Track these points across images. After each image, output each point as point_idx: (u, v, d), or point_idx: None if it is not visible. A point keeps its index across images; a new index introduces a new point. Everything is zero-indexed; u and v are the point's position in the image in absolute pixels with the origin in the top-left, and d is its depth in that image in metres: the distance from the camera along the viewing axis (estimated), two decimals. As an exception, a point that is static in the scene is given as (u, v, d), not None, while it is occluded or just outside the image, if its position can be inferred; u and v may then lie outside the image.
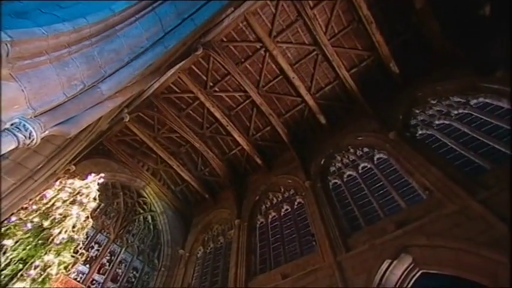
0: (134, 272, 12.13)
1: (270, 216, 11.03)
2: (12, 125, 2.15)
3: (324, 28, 9.99)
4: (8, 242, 5.68)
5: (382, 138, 9.29)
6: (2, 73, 2.02)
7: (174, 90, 11.70)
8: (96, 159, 12.31)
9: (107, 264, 11.53)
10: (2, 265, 5.41)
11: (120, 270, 11.76)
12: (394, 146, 8.69)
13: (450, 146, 7.67)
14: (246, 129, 12.53)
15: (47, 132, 2.50)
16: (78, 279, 10.06)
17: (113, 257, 11.82)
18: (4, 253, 5.54)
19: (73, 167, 10.46)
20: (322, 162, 10.81)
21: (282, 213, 10.75)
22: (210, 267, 11.39)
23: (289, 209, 10.66)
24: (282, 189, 11.68)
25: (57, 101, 2.57)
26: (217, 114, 11.85)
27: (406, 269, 6.48)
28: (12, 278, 5.44)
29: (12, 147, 2.20)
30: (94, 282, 10.71)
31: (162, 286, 11.61)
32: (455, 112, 8.31)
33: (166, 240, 13.26)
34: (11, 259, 5.60)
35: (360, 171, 9.50)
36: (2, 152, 2.13)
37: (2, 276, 5.35)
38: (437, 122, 8.54)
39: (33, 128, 2.27)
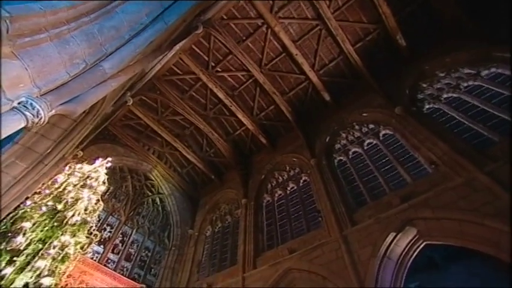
0: (146, 252, 12.58)
1: (276, 195, 11.21)
2: (19, 103, 2.16)
3: (327, 1, 9.60)
4: (27, 224, 5.90)
5: (387, 113, 9.17)
6: (4, 51, 1.99)
7: (175, 72, 11.54)
8: (102, 144, 12.45)
9: (120, 244, 11.96)
10: (24, 245, 5.64)
11: (132, 250, 12.20)
12: (400, 121, 8.59)
13: (458, 119, 7.56)
14: (249, 109, 12.45)
15: (53, 111, 2.51)
16: (94, 258, 10.48)
17: (125, 238, 12.24)
18: (24, 234, 5.76)
19: (80, 152, 10.61)
20: (327, 140, 10.79)
21: (288, 192, 10.91)
22: (218, 246, 11.76)
23: (295, 187, 10.79)
24: (288, 168, 11.76)
25: (61, 80, 2.55)
26: (221, 95, 11.74)
27: (410, 241, 6.62)
28: (34, 257, 5.70)
29: (22, 125, 2.22)
30: (109, 261, 11.16)
31: (174, 264, 12.08)
32: (465, 84, 8.10)
33: (175, 221, 13.65)
34: (31, 239, 5.84)
35: (365, 148, 9.48)
36: (11, 132, 2.16)
37: (25, 256, 5.59)
38: (445, 96, 8.36)
39: (41, 107, 2.28)
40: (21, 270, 5.42)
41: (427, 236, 6.43)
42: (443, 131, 7.43)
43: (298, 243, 8.45)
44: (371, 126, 9.82)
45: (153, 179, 14.22)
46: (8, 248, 5.44)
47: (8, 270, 5.15)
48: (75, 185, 7.69)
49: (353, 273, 6.53)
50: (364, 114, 10.19)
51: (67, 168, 8.17)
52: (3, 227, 5.74)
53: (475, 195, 5.88)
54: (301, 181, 10.77)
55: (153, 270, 12.12)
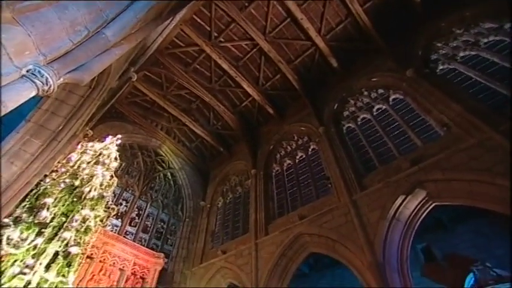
0: (162, 224, 13.14)
1: (285, 164, 11.34)
2: (28, 71, 2.15)
3: (334, -43, 8.93)
4: (49, 200, 6.16)
5: (398, 77, 8.86)
6: (4, 16, 1.95)
7: (178, 44, 11.24)
8: (110, 122, 12.55)
9: (136, 218, 12.50)
10: (49, 219, 5.95)
11: (148, 223, 12.75)
12: (411, 84, 8.31)
13: (474, 78, 7.25)
14: (255, 79, 12.21)
15: (61, 79, 2.50)
16: (114, 231, 11.02)
17: (140, 212, 12.75)
18: (48, 209, 6.04)
19: (90, 131, 10.76)
20: (335, 107, 10.62)
21: (297, 160, 11.01)
22: (230, 215, 12.19)
23: (304, 156, 10.86)
24: (296, 137, 11.76)
25: (64, 47, 2.51)
26: (225, 66, 11.48)
27: (419, 203, 6.72)
28: (59, 229, 6.03)
29: (33, 94, 2.23)
30: (128, 233, 11.74)
31: (189, 234, 12.67)
32: (485, 40, 7.63)
33: (187, 194, 14.08)
34: (55, 213, 6.14)
35: (374, 114, 9.32)
36: (24, 100, 2.18)
37: (51, 228, 5.92)
38: (461, 54, 7.96)
39: (49, 75, 2.27)
40: (50, 240, 5.77)
41: (436, 197, 6.50)
42: (457, 92, 7.18)
43: (308, 209, 8.67)
44: (380, 91, 9.56)
45: (163, 154, 14.48)
46: (35, 221, 5.75)
47: (39, 240, 5.49)
48: (88, 163, 7.91)
49: (362, 235, 6.74)
50: (374, 80, 9.88)
51: (79, 146, 8.35)
52: (29, 203, 6.02)
53: (487, 155, 5.82)
54: (310, 149, 10.80)
55: (169, 240, 12.72)
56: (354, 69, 10.86)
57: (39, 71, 2.19)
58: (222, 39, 11.02)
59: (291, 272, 8.34)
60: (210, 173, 14.81)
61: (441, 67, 8.21)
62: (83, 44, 2.74)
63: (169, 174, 14.51)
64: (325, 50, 10.93)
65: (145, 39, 8.09)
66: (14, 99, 2.04)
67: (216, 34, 10.89)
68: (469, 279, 8.36)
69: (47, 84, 2.29)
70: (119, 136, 9.17)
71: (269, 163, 11.89)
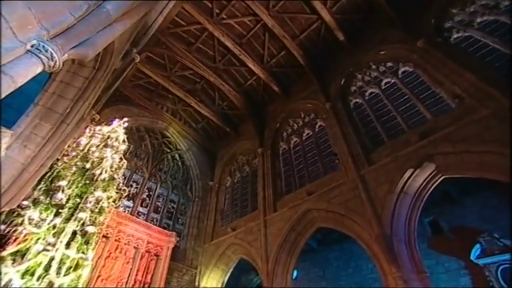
0: (172, 204, 13.44)
1: (292, 142, 11.34)
2: (32, 46, 2.12)
3: None
4: (63, 183, 6.33)
5: (408, 48, 8.52)
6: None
7: (179, 23, 10.94)
8: (116, 106, 12.59)
9: (147, 199, 12.80)
10: (64, 200, 6.16)
11: (159, 203, 13.06)
12: (422, 55, 8.00)
13: (491, 46, 6.91)
14: (260, 57, 11.93)
15: (66, 55, 2.47)
16: (126, 211, 11.36)
17: (150, 193, 13.03)
18: (62, 191, 6.23)
19: (97, 115, 10.83)
20: (342, 83, 10.39)
21: (304, 138, 10.98)
22: (239, 194, 12.42)
23: (311, 133, 10.82)
24: (302, 115, 11.66)
25: (66, 22, 2.46)
26: (229, 44, 11.20)
27: (428, 176, 6.71)
28: (75, 209, 6.25)
29: (39, 70, 2.22)
30: (140, 213, 12.09)
31: (199, 213, 13.01)
32: (506, 3, 7.15)
33: (195, 175, 14.31)
34: (70, 195, 6.34)
35: (382, 88, 9.10)
36: (32, 76, 2.17)
37: (67, 209, 6.14)
38: (478, 20, 7.52)
39: (53, 50, 2.24)
40: (67, 220, 5.99)
41: (446, 170, 6.46)
42: (472, 61, 6.88)
43: (316, 185, 8.75)
44: (389, 64, 9.26)
45: (170, 136, 14.58)
46: (52, 203, 5.95)
47: (57, 220, 5.72)
48: (97, 146, 8.02)
49: (370, 209, 6.81)
50: (382, 52, 9.54)
51: (87, 130, 8.45)
52: (44, 185, 6.20)
53: (500, 125, 5.67)
54: (317, 126, 10.73)
55: (180, 220, 13.07)
56: (361, 43, 10.48)
57: (43, 46, 2.16)
58: (224, 16, 10.67)
59: (299, 247, 8.58)
60: (217, 153, 14.93)
61: (456, 35, 7.83)
62: (85, 18, 2.67)
63: (177, 155, 14.68)
64: (332, 23, 10.50)
65: (146, 18, 7.89)
66: (22, 75, 2.03)
67: (218, 11, 10.53)
68: (475, 250, 8.48)
69: (52, 59, 2.26)
70: (126, 119, 9.21)
71: (276, 141, 11.90)
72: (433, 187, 6.70)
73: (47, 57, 2.22)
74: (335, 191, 7.96)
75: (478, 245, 8.44)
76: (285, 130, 12.03)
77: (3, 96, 1.95)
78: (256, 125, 12.99)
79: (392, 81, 8.91)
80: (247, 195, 11.87)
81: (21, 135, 5.40)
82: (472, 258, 8.47)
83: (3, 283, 4.62)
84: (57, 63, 2.36)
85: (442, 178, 6.56)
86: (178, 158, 14.66)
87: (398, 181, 6.76)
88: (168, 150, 14.59)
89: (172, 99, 14.01)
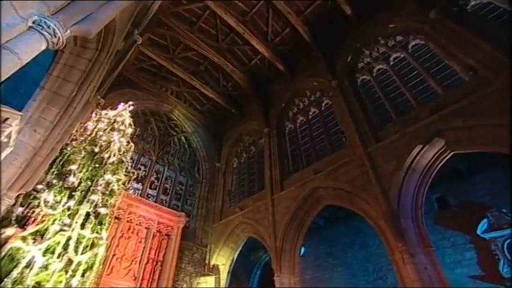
0: (180, 186, 13.66)
1: (298, 121, 11.26)
2: (34, 22, 2.08)
3: None
4: (74, 167, 6.46)
5: (419, 20, 8.16)
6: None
7: (180, 1, 10.58)
8: (120, 90, 12.51)
9: (156, 181, 13.02)
10: (76, 183, 6.31)
11: (168, 185, 13.29)
12: (435, 27, 7.65)
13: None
14: (264, 35, 11.58)
15: (68, 31, 2.42)
16: (136, 194, 11.62)
17: (159, 175, 13.22)
18: (74, 175, 6.37)
19: (102, 100, 10.86)
20: (349, 59, 10.10)
21: (310, 117, 10.88)
22: (246, 175, 12.55)
23: (317, 112, 10.70)
24: (308, 93, 11.48)
25: (66, -3, 2.39)
26: (231, 22, 10.87)
27: (437, 152, 6.63)
28: (87, 192, 6.42)
29: (43, 47, 2.19)
30: (149, 195, 12.34)
31: (207, 194, 13.25)
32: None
33: (202, 156, 14.44)
34: (81, 179, 6.48)
35: (391, 63, 8.84)
36: (36, 54, 2.14)
37: (79, 191, 6.31)
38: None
39: (55, 26, 2.19)
40: (80, 202, 6.17)
41: (456, 145, 6.37)
42: (489, 30, 6.56)
43: (323, 164, 8.76)
44: (399, 38, 8.92)
45: (175, 119, 14.60)
46: (65, 186, 6.10)
47: (71, 202, 5.89)
48: (104, 130, 8.08)
49: (377, 186, 6.82)
50: (391, 26, 9.16)
51: (94, 115, 8.51)
52: (56, 169, 6.32)
53: (516, 96, 5.48)
54: (323, 105, 10.59)
55: (188, 201, 13.33)
56: (369, 17, 10.05)
57: (45, 22, 2.11)
58: (226, -8, 10.29)
59: (307, 224, 8.75)
60: (223, 135, 14.96)
61: (473, 2, 7.41)
62: (85, -7, 2.59)
63: (183, 138, 14.76)
64: (338, -4, 10.05)
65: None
66: (27, 52, 2.00)
67: (219, -13, 10.15)
68: (482, 224, 8.53)
69: (55, 36, 2.22)
70: (131, 103, 9.19)
71: (282, 121, 11.82)
72: (441, 163, 6.65)
73: (50, 34, 2.17)
74: (342, 169, 7.96)
75: (485, 220, 8.47)
76: (290, 109, 11.91)
77: (10, 74, 1.94)
78: (261, 105, 12.87)
79: (402, 56, 8.62)
80: (254, 176, 11.99)
81: (30, 120, 5.47)
82: (478, 232, 8.53)
83: (27, 260, 4.87)
84: (60, 40, 2.31)
85: (451, 154, 6.48)
86: (184, 141, 14.75)
87: (406, 158, 6.71)
88: (174, 133, 14.66)
89: (177, 82, 13.88)
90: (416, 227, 6.26)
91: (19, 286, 4.71)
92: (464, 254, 8.84)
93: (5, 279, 4.50)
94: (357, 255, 11.38)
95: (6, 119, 3.19)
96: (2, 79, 1.93)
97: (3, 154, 3.74)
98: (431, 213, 9.71)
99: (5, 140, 3.33)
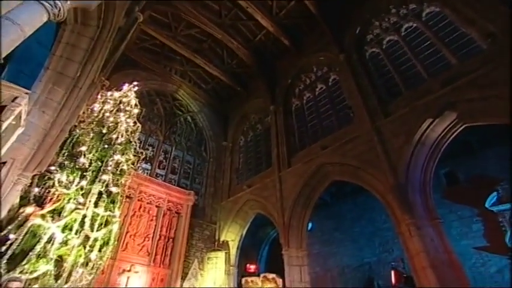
0: (188, 165, 13.83)
1: (305, 98, 11.08)
2: (33, -7, 2.02)
3: None
4: (83, 148, 6.57)
5: (434, -15, 7.67)
6: None
7: (180, -24, 10.15)
8: (124, 71, 12.38)
9: (164, 161, 13.19)
10: (87, 164, 6.45)
11: (176, 165, 13.46)
12: (451, -9, 7.20)
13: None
14: (268, 9, 11.10)
15: (68, 2, 2.35)
16: (145, 173, 11.82)
17: (167, 155, 13.38)
18: (84, 156, 6.49)
19: (106, 81, 10.83)
20: (357, 32, 9.69)
21: (317, 93, 10.69)
22: (253, 153, 12.62)
23: (324, 87, 10.48)
24: (315, 69, 11.19)
25: (65, -33, 2.29)
26: (234, -5, 10.42)
27: (448, 126, 6.49)
28: (98, 172, 6.57)
29: (45, 19, 2.13)
30: (158, 175, 12.55)
31: (214, 173, 13.43)
32: None
33: (209, 136, 14.49)
34: (91, 159, 6.61)
35: (402, 34, 8.46)
36: (38, 26, 2.09)
37: (91, 172, 6.46)
38: None
39: (55, -4, 2.12)
40: (92, 182, 6.34)
41: (468, 118, 6.21)
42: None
43: (330, 140, 8.70)
44: (412, 6, 8.45)
45: (181, 98, 14.51)
46: (76, 167, 6.25)
47: (84, 182, 6.06)
48: (111, 111, 8.11)
49: (385, 160, 6.78)
50: (404, -7, 8.66)
51: (99, 96, 8.52)
52: (67, 151, 6.43)
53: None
54: (330, 80, 10.35)
55: (197, 179, 13.56)
56: (380, -16, 9.50)
57: (45, -8, 2.05)
58: (228, -37, 9.79)
59: (314, 200, 8.86)
60: (229, 114, 14.88)
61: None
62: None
63: (189, 117, 14.75)
64: (346, -38, 9.47)
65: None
66: (29, 23, 1.95)
67: (220, -44, 9.64)
68: (491, 198, 8.51)
69: (55, 6, 2.15)
70: (135, 83, 9.16)
71: (288, 98, 11.65)
72: (452, 136, 6.52)
73: (51, 5, 2.11)
74: (349, 144, 7.91)
75: (494, 193, 8.45)
76: (297, 86, 11.67)
77: (14, 47, 1.91)
78: (267, 82, 12.62)
79: (414, 25, 8.22)
80: (261, 153, 12.04)
81: (38, 101, 5.49)
82: (486, 206, 8.54)
83: (48, 236, 5.13)
84: (61, 11, 2.25)
85: (463, 127, 6.33)
86: (190, 120, 14.76)
87: (415, 132, 6.59)
88: (180, 113, 14.65)
89: (180, 61, 13.64)
90: (424, 201, 6.27)
91: (43, 259, 5.03)
92: (471, 227, 8.92)
93: (30, 253, 4.80)
94: (363, 230, 11.60)
95: (15, 98, 3.20)
96: (8, 51, 1.90)
97: (16, 134, 3.79)
98: (439, 188, 9.70)
99: (14, 122, 3.34)
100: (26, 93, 3.16)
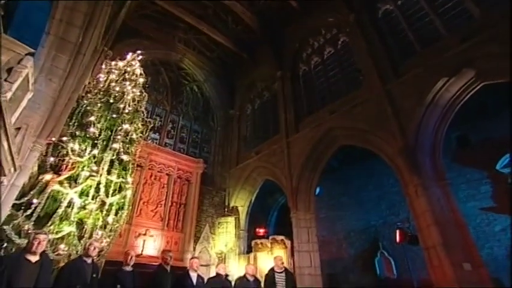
0: (196, 134, 13.91)
1: (313, 62, 10.70)
2: None
3: None
4: (92, 118, 6.64)
5: None
6: None
7: None
8: (126, 40, 12.00)
9: (172, 130, 13.29)
10: (97, 133, 6.56)
11: (184, 134, 13.54)
12: None
13: None
14: (274, -33, 10.35)
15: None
16: (154, 143, 11.98)
17: (174, 125, 13.44)
18: (93, 125, 6.59)
19: (110, 51, 10.65)
20: (369, -13, 9.03)
21: (325, 57, 10.29)
22: (260, 120, 12.58)
23: (333, 51, 10.07)
24: (323, 31, 10.65)
25: None
26: (238, -49, 9.68)
27: (464, 84, 6.23)
28: (108, 141, 6.71)
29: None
30: (167, 144, 12.71)
31: (222, 141, 13.56)
32: None
33: (215, 105, 14.40)
34: (100, 129, 6.71)
35: (420, -13, 7.82)
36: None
37: (101, 140, 6.60)
38: None
39: None
40: (103, 150, 6.50)
41: (487, 75, 5.92)
42: None
43: (338, 104, 8.54)
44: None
45: (186, 67, 14.23)
46: (87, 136, 6.38)
47: (95, 151, 6.23)
48: (116, 81, 8.08)
49: (395, 122, 6.66)
50: None
51: (104, 66, 8.47)
52: (76, 120, 6.51)
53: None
54: (339, 43, 9.89)
55: (205, 148, 13.69)
56: None
57: None
58: None
59: (322, 165, 8.92)
60: (235, 82, 14.59)
61: None
62: None
63: (195, 87, 14.57)
64: None
65: None
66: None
67: None
68: (503, 160, 8.39)
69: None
70: (139, 52, 8.99)
71: (295, 63, 11.27)
72: (467, 96, 6.28)
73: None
74: (358, 108, 7.74)
75: (506, 155, 8.30)
76: (304, 50, 11.22)
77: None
78: (273, 47, 12.13)
79: (434, -25, 7.56)
80: (268, 120, 11.99)
81: (43, 68, 5.48)
82: (497, 168, 8.46)
83: (67, 201, 5.43)
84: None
85: (481, 85, 6.04)
86: (196, 89, 14.59)
87: (428, 92, 6.35)
88: (186, 82, 14.45)
89: (184, 28, 13.12)
90: (433, 162, 6.24)
91: (65, 221, 5.38)
92: (479, 189, 8.93)
93: (53, 216, 5.14)
94: (370, 195, 11.77)
95: (21, 59, 3.17)
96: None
97: (26, 98, 3.82)
98: (449, 152, 9.58)
99: (16, 90, 3.31)
100: (30, 54, 3.12)
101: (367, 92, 7.76)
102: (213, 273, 6.99)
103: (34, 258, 2.78)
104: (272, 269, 5.09)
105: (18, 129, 4.41)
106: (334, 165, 12.06)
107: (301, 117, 9.88)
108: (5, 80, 2.85)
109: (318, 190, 10.07)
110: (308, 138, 8.88)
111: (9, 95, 2.91)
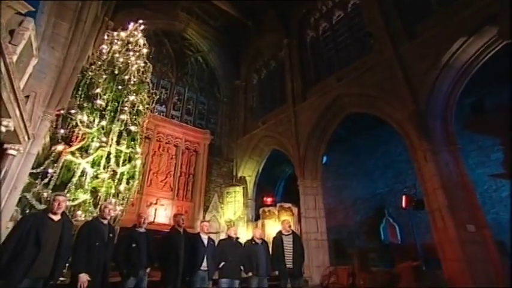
0: (202, 105, 13.82)
1: (321, 28, 10.21)
2: None
3: None
4: (98, 90, 6.63)
5: None
6: None
7: None
8: (127, 10, 11.60)
9: (178, 102, 13.22)
10: (104, 105, 6.59)
11: (190, 106, 13.49)
12: None
13: None
14: None
15: None
16: (161, 115, 12.00)
17: (180, 97, 13.35)
18: (100, 97, 6.59)
19: (111, 22, 10.38)
20: None
21: (334, 22, 9.77)
22: (267, 90, 12.37)
23: (342, 15, 9.53)
24: (333, -7, 10.04)
25: None
26: None
27: (484, 44, 5.85)
28: (115, 112, 6.74)
29: None
30: (174, 116, 12.72)
31: (229, 112, 13.48)
32: None
33: (221, 75, 14.14)
34: (107, 100, 6.72)
35: None
36: None
37: (109, 112, 6.63)
38: None
39: None
40: (111, 122, 6.56)
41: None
42: None
43: (347, 71, 8.26)
44: None
45: (189, 38, 13.80)
46: (95, 107, 6.42)
47: (103, 122, 6.28)
48: (119, 52, 7.96)
49: (406, 87, 6.45)
50: None
51: (106, 37, 8.33)
52: (83, 92, 6.50)
53: None
54: (349, 6, 9.32)
55: (212, 119, 13.66)
56: None
57: None
58: None
59: (329, 133, 8.85)
60: (241, 52, 14.18)
61: None
62: None
63: (199, 57, 14.23)
64: None
65: None
66: None
67: None
68: (518, 125, 8.12)
69: None
70: (141, 21, 8.74)
71: (303, 29, 10.77)
72: (486, 57, 5.93)
73: None
74: (367, 74, 7.47)
75: (522, 120, 8.02)
76: (312, 15, 10.65)
77: None
78: (279, 13, 11.55)
79: None
80: (275, 90, 11.78)
81: (45, 36, 5.37)
82: (512, 134, 8.21)
83: (80, 170, 5.63)
84: None
85: (502, 44, 5.64)
86: (201, 60, 14.27)
87: (443, 54, 6.03)
88: (190, 53, 14.11)
89: (186, -5, 12.53)
90: (444, 127, 6.10)
91: (80, 189, 5.63)
92: (489, 156, 8.79)
93: (69, 184, 5.36)
94: (377, 163, 11.75)
95: (21, 21, 3.10)
96: None
97: (31, 64, 3.79)
98: (461, 119, 9.31)
99: (20, 56, 3.25)
100: (29, 14, 3.03)
101: (377, 56, 7.43)
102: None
103: (56, 218, 2.98)
104: (280, 232, 5.26)
105: (27, 97, 4.42)
106: (342, 134, 11.92)
107: (308, 86, 9.65)
108: (9, 43, 2.81)
109: (325, 159, 10.09)
110: (315, 107, 8.73)
111: (14, 58, 2.89)
